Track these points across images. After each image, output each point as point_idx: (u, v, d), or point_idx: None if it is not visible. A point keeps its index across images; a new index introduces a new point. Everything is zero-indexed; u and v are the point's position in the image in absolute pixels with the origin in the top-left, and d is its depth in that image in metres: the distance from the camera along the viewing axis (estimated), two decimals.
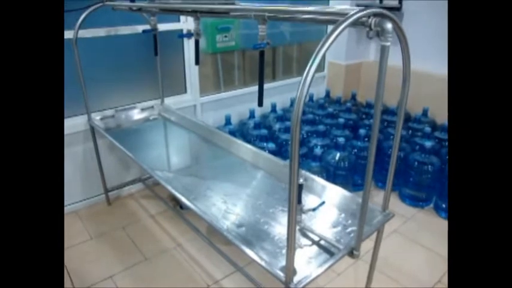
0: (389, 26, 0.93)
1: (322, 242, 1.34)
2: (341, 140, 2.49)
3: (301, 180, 1.36)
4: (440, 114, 3.05)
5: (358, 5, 3.24)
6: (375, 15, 0.93)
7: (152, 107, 2.56)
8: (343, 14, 0.94)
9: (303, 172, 1.68)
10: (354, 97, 3.36)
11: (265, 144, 2.54)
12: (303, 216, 1.42)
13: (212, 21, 2.67)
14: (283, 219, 1.49)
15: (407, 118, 3.11)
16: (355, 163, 2.55)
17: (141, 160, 1.90)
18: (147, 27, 2.38)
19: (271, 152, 2.35)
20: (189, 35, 1.56)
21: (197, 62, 1.70)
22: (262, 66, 1.33)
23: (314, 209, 1.45)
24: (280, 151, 2.53)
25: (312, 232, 1.37)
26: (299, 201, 1.39)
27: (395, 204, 2.62)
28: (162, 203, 2.54)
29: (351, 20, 0.88)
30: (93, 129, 2.33)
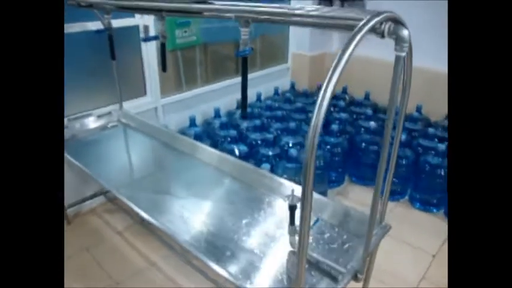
0: (405, 33, 0.81)
1: (321, 264, 1.23)
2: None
3: (295, 198, 1.25)
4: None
5: None
6: (389, 20, 0.80)
7: (110, 113, 2.32)
8: (353, 19, 0.81)
9: (291, 187, 1.54)
10: (319, 89, 3.27)
11: (234, 146, 2.39)
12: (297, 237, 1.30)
13: None
14: (255, 228, 1.40)
15: (376, 110, 3.08)
16: (330, 160, 2.47)
17: (98, 174, 1.72)
18: (99, 24, 2.14)
19: (243, 156, 2.22)
20: (155, 37, 1.36)
21: (164, 69, 1.51)
22: (245, 74, 1.18)
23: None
24: (251, 152, 2.39)
25: (310, 255, 1.25)
26: (292, 222, 1.27)
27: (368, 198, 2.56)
28: (128, 217, 2.33)
29: (368, 27, 0.75)
30: None
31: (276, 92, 3.21)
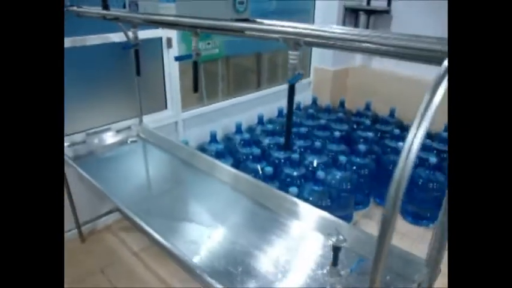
0: None
1: None
2: (342, 158, 2.28)
3: (340, 238, 1.14)
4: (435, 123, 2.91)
5: (345, 7, 3.05)
6: None
7: (129, 127, 2.23)
8: (430, 51, 0.70)
9: (336, 223, 1.41)
10: (342, 105, 3.17)
11: (258, 165, 2.29)
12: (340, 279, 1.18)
13: None
14: (274, 256, 1.29)
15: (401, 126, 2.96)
16: (357, 182, 2.35)
17: (113, 192, 1.63)
18: (121, 35, 2.06)
19: (267, 177, 2.11)
20: (188, 56, 1.27)
21: (196, 89, 1.41)
22: (291, 103, 1.07)
23: (352, 270, 1.21)
24: (275, 172, 2.27)
25: None
26: (335, 263, 1.16)
27: (396, 222, 2.44)
28: (144, 237, 2.23)
29: None
30: None
31: (298, 107, 3.11)
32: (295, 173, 2.26)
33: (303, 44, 0.96)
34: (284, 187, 2.17)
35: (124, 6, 1.55)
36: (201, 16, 1.17)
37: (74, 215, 2.13)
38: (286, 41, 0.99)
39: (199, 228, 1.45)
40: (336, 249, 1.14)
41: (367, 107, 3.14)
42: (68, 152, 1.97)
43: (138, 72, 1.68)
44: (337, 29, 0.95)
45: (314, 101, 3.20)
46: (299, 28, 0.97)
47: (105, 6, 1.65)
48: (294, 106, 3.11)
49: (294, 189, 1.94)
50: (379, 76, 3.16)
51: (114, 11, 1.59)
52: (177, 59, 1.30)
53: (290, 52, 1.00)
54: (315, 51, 3.23)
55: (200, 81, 2.57)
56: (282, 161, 2.44)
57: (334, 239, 1.13)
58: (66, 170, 2.02)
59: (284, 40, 1.00)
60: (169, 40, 2.24)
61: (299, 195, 2.00)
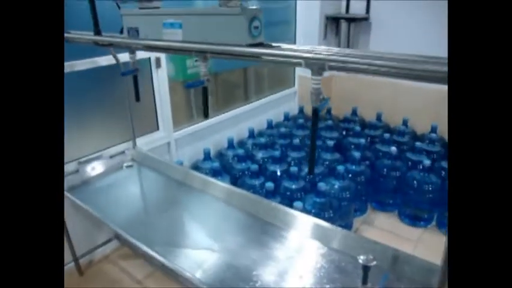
0: None
1: None
2: (340, 168, 2.29)
3: (370, 257, 1.13)
4: (420, 125, 2.99)
5: (326, 16, 3.08)
6: None
7: (123, 152, 2.16)
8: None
9: (334, 230, 1.42)
10: (329, 112, 3.19)
11: (256, 181, 2.26)
12: None
13: None
14: (281, 271, 1.31)
15: (388, 130, 3.01)
16: (355, 190, 2.37)
17: (110, 218, 1.60)
18: (109, 58, 2.00)
19: (269, 192, 2.09)
20: (201, 82, 1.23)
21: (206, 115, 1.37)
22: (316, 129, 1.06)
23: (380, 287, 1.21)
24: (277, 188, 2.25)
25: None
26: (365, 281, 1.16)
27: (395, 225, 2.48)
28: (146, 262, 2.16)
29: None
30: None
31: (286, 118, 3.10)
32: (294, 186, 2.25)
33: (328, 68, 0.96)
34: (285, 201, 2.16)
35: (121, 32, 1.51)
36: (211, 41, 1.14)
37: (70, 248, 2.04)
38: (310, 66, 0.98)
39: (200, 247, 1.46)
40: (365, 268, 1.14)
41: (354, 113, 3.17)
42: None
43: (137, 98, 1.63)
44: (359, 53, 0.95)
45: (301, 110, 3.21)
46: (322, 53, 0.96)
47: (98, 32, 1.59)
48: (282, 117, 3.12)
49: (298, 204, 1.93)
50: (363, 82, 3.20)
51: (108, 37, 1.54)
52: (188, 86, 1.26)
53: (313, 77, 0.99)
54: None
55: (190, 99, 2.53)
56: (278, 173, 2.43)
57: (363, 258, 1.12)
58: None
59: (307, 65, 0.98)
60: (158, 60, 2.20)
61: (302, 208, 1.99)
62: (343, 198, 2.27)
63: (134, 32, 1.37)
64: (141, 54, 2.12)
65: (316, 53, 0.96)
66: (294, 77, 3.29)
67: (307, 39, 3.11)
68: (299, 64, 1.00)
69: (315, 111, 1.03)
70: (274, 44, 1.10)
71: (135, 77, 1.59)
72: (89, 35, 1.61)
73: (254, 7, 1.07)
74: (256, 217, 1.62)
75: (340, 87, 3.35)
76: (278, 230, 1.53)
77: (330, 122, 2.94)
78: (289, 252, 1.41)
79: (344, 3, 3.18)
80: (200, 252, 1.42)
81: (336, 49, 0.98)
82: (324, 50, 0.99)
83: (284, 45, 1.09)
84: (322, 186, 2.11)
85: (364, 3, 3.08)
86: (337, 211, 2.16)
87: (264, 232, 1.52)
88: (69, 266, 2.10)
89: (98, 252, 2.22)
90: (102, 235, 2.23)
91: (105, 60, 2.01)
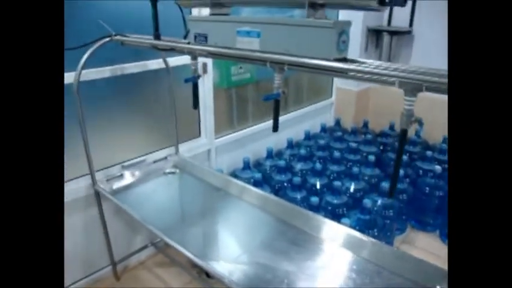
0: None
1: None
2: (384, 185, 2.23)
3: None
4: None
5: (368, 28, 3.03)
6: None
7: (165, 158, 2.13)
8: None
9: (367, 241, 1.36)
10: (366, 125, 3.13)
11: (298, 195, 2.21)
12: None
13: None
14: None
15: (427, 147, 2.93)
16: (399, 207, 2.30)
17: (149, 221, 1.58)
18: (159, 62, 1.98)
19: (313, 207, 2.03)
20: (277, 95, 1.19)
21: (276, 128, 1.33)
22: (401, 150, 1.01)
23: None
24: (321, 203, 2.19)
25: None
26: None
27: (436, 245, 2.39)
28: (181, 270, 2.12)
29: None
30: (98, 194, 1.87)
31: (323, 129, 3.05)
32: (336, 201, 2.20)
33: (425, 90, 0.90)
34: (328, 216, 2.10)
35: (185, 37, 1.48)
36: (292, 53, 1.10)
37: (109, 252, 2.01)
38: (404, 86, 0.93)
39: (236, 254, 1.46)
40: None
41: (391, 128, 3.10)
42: (105, 187, 1.86)
43: (195, 106, 1.59)
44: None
45: (337, 123, 3.15)
46: (417, 72, 0.91)
47: (157, 36, 1.56)
48: (318, 128, 3.06)
49: (346, 220, 1.87)
50: (400, 96, 3.13)
51: (169, 42, 1.51)
52: (265, 98, 1.22)
53: (407, 98, 0.94)
54: None
55: (232, 107, 2.50)
56: (318, 186, 2.38)
57: None
58: (103, 203, 1.91)
59: (401, 85, 0.93)
60: (204, 65, 2.17)
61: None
62: (387, 216, 2.20)
63: (202, 38, 1.34)
64: (187, 59, 2.10)
65: (409, 72, 0.91)
66: (332, 88, 3.24)
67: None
68: (392, 83, 0.95)
69: (404, 132, 0.98)
70: (358, 60, 1.05)
71: (195, 84, 1.55)
72: (148, 39, 1.58)
73: (344, 20, 1.02)
74: (294, 226, 1.62)
75: (377, 100, 3.29)
76: (314, 239, 1.54)
77: (368, 136, 2.88)
78: (324, 262, 1.41)
79: (386, 16, 3.13)
80: (235, 260, 1.42)
81: (424, 68, 0.93)
82: (416, 68, 0.93)
83: (368, 61, 1.04)
84: (367, 203, 2.05)
85: (408, 16, 3.02)
86: (381, 229, 2.10)
87: (297, 240, 1.53)
88: (106, 270, 2.07)
89: (133, 258, 2.18)
90: (138, 241, 2.19)
91: (155, 64, 1.99)
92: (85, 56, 1.63)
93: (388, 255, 1.38)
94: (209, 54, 1.38)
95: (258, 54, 1.17)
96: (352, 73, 1.03)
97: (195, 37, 1.36)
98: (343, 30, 1.02)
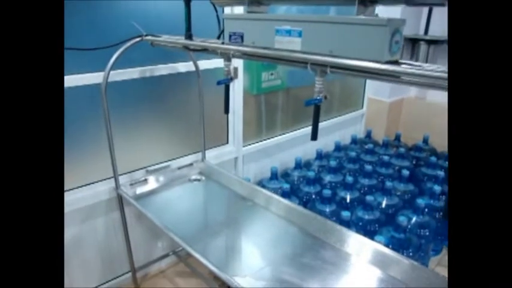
0: None
1: None
2: (421, 202, 2.09)
3: None
4: None
5: (404, 37, 2.90)
6: None
7: (191, 164, 2.06)
8: None
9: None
10: (398, 138, 3.00)
11: (327, 208, 2.10)
12: None
13: None
14: None
15: None
16: (436, 226, 2.16)
17: (175, 231, 1.48)
18: (189, 64, 1.92)
19: (344, 222, 1.91)
20: (317, 100, 1.11)
21: (315, 137, 1.24)
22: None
23: None
24: (351, 218, 2.07)
25: None
26: None
27: None
28: (202, 281, 2.03)
29: None
30: (120, 198, 1.81)
31: (354, 141, 2.94)
32: (368, 217, 2.07)
33: None
34: (359, 231, 1.98)
35: (218, 37, 1.41)
36: (336, 54, 1.01)
37: (130, 258, 1.94)
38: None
39: (261, 266, 1.38)
40: None
41: (425, 141, 2.96)
42: (129, 191, 1.80)
43: (226, 110, 1.51)
44: None
45: (368, 134, 3.03)
46: None
47: (189, 36, 1.50)
48: (348, 139, 2.95)
49: (380, 238, 1.75)
50: (434, 108, 3.00)
51: (202, 42, 1.44)
52: (307, 103, 1.13)
53: None
54: (369, 81, 3.08)
55: (261, 114, 2.41)
56: (349, 202, 2.26)
57: None
58: (125, 208, 1.85)
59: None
60: (235, 70, 2.09)
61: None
62: (422, 235, 2.06)
63: (238, 37, 1.26)
64: (217, 63, 2.03)
65: None
66: (363, 99, 3.12)
67: None
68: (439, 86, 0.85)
69: None
70: (413, 63, 0.95)
71: (228, 87, 1.48)
72: (180, 39, 1.53)
73: (398, 18, 0.93)
74: (323, 240, 1.54)
75: (410, 112, 3.15)
76: (344, 255, 1.44)
77: (401, 150, 2.74)
78: (351, 278, 1.32)
79: (423, 25, 3.01)
80: (258, 274, 1.33)
81: None
82: None
83: (425, 65, 0.94)
84: (403, 220, 1.92)
85: (446, 25, 2.88)
86: (416, 250, 1.96)
87: (326, 257, 1.43)
88: (125, 276, 2.00)
89: (154, 266, 2.11)
90: (160, 249, 2.12)
91: (185, 66, 1.94)
92: (114, 56, 1.58)
93: (423, 278, 1.28)
94: (244, 55, 1.31)
95: (299, 55, 1.09)
96: (407, 77, 0.94)
97: (230, 36, 1.29)
98: (397, 29, 0.92)
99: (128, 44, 1.61)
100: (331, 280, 1.31)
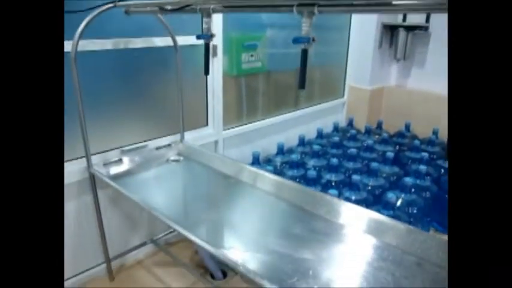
0: None
1: None
2: (408, 180, 2.04)
3: None
4: None
5: (383, 24, 2.90)
6: None
7: (169, 145, 1.95)
8: None
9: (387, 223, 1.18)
10: (380, 126, 2.96)
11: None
12: None
13: (238, 36, 2.16)
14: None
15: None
16: (424, 205, 2.10)
17: (155, 208, 1.37)
18: (167, 40, 1.82)
19: None
20: (305, 39, 1.02)
21: (302, 85, 1.16)
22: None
23: None
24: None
25: None
26: None
27: None
28: (184, 270, 1.91)
29: None
30: (93, 179, 1.68)
31: (336, 129, 2.88)
32: (355, 197, 2.01)
33: None
34: None
35: None
36: None
37: (104, 247, 1.81)
38: None
39: (252, 239, 1.31)
40: None
41: (407, 128, 2.93)
42: (103, 171, 1.68)
43: (206, 71, 1.42)
44: None
45: (350, 122, 2.98)
46: None
47: None
48: (330, 128, 2.90)
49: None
50: (415, 96, 2.99)
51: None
52: (295, 40, 1.05)
53: None
54: (350, 69, 3.05)
55: (241, 97, 2.33)
56: (335, 184, 2.19)
57: None
58: (98, 192, 1.72)
59: None
60: (214, 48, 2.01)
61: None
62: (411, 213, 2.01)
63: None
64: (193, 40, 1.94)
65: None
66: (344, 87, 3.09)
67: (361, 47, 2.93)
68: None
69: None
70: None
71: (207, 45, 1.39)
72: (156, 1, 1.43)
73: None
74: (310, 211, 1.45)
75: (390, 100, 3.13)
76: (332, 223, 1.38)
77: (384, 135, 2.70)
78: (347, 248, 1.24)
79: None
80: (250, 248, 1.24)
81: None
82: None
83: None
84: (391, 197, 1.86)
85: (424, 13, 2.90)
86: None
87: (318, 226, 1.36)
88: (99, 267, 1.86)
89: (130, 256, 1.97)
90: (136, 237, 1.99)
91: (163, 41, 1.84)
92: (84, 22, 1.47)
93: (419, 242, 1.24)
94: (225, 8, 1.23)
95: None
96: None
97: None
98: None
99: (100, 9, 1.50)
100: (325, 250, 1.22)
